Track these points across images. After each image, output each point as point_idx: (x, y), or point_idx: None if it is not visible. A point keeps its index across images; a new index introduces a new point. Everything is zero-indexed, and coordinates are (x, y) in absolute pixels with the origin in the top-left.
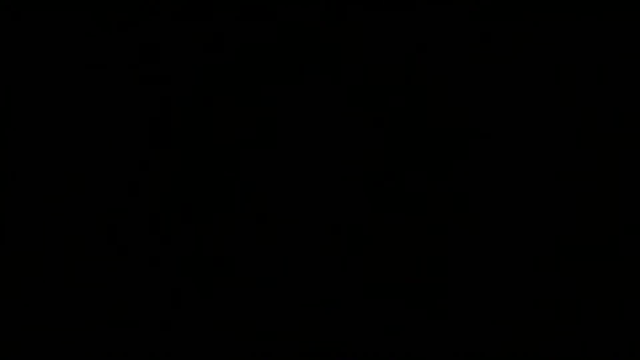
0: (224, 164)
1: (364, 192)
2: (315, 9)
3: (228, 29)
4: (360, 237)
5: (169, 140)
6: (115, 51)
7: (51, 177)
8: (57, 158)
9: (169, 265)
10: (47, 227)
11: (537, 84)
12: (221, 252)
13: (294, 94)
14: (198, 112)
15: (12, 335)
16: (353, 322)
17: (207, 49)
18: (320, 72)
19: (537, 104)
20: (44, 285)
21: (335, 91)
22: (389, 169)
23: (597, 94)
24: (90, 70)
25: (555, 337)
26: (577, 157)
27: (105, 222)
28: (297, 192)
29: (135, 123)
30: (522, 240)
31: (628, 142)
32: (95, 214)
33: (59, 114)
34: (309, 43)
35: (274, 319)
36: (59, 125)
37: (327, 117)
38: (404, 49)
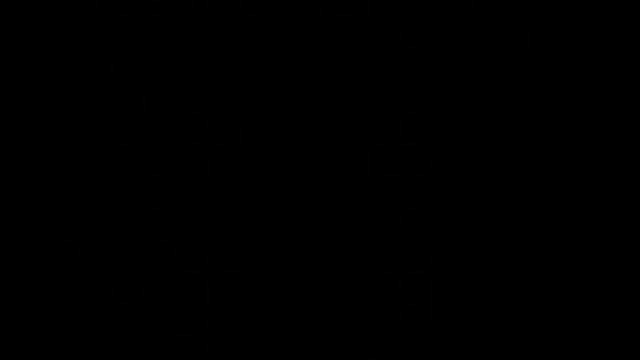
0: (221, 164)
1: (362, 191)
2: (315, 9)
3: (227, 28)
4: (359, 238)
5: (169, 139)
6: (111, 51)
7: (46, 176)
8: (51, 156)
9: (167, 265)
10: (43, 225)
11: (537, 84)
12: (218, 252)
13: (292, 93)
14: (196, 112)
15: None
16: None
17: (207, 49)
18: (319, 71)
19: (537, 104)
20: (40, 283)
21: (334, 91)
22: (388, 168)
23: (597, 94)
24: (90, 69)
25: (555, 336)
26: (577, 157)
27: (102, 221)
28: (295, 190)
29: (131, 124)
30: (521, 240)
31: (628, 142)
32: (92, 213)
33: (51, 112)
34: (308, 42)
35: (273, 318)
36: (51, 124)
37: (326, 116)
38: (404, 49)
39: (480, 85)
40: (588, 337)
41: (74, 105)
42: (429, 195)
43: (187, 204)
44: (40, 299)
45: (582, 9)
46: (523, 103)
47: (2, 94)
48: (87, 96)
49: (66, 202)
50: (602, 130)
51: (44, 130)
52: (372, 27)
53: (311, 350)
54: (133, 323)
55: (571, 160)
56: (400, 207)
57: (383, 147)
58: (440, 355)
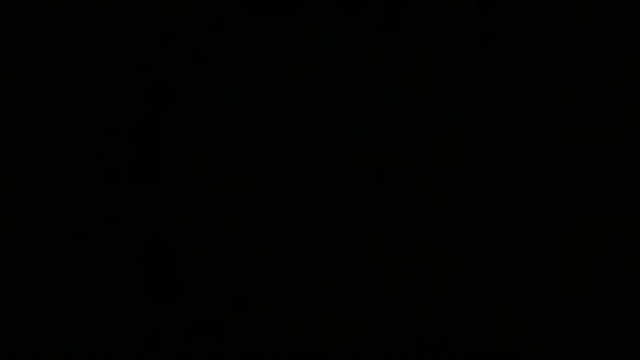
0: (218, 165)
1: (359, 193)
2: (314, 9)
3: (225, 28)
4: (357, 239)
5: (164, 143)
6: (108, 52)
7: (47, 174)
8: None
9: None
10: (42, 224)
11: (537, 84)
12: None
13: (291, 93)
14: (195, 114)
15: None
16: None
17: (205, 49)
18: (317, 72)
19: (537, 104)
20: (40, 283)
21: (332, 91)
22: (385, 168)
23: (597, 93)
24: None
25: (555, 337)
26: (577, 157)
27: (103, 221)
28: (291, 188)
29: (128, 124)
30: (521, 241)
31: (628, 141)
32: (92, 213)
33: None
34: (308, 42)
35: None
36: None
37: (324, 117)
38: (403, 49)
39: (479, 84)
40: (584, 334)
41: (73, 105)
42: (425, 195)
43: (186, 203)
44: (40, 298)
45: (582, 9)
46: (523, 103)
47: (2, 94)
48: (87, 95)
49: (66, 201)
50: (602, 130)
51: (43, 129)
52: (368, 26)
53: (311, 350)
54: (133, 323)
55: (571, 160)
56: (398, 207)
57: (379, 146)
58: (435, 355)
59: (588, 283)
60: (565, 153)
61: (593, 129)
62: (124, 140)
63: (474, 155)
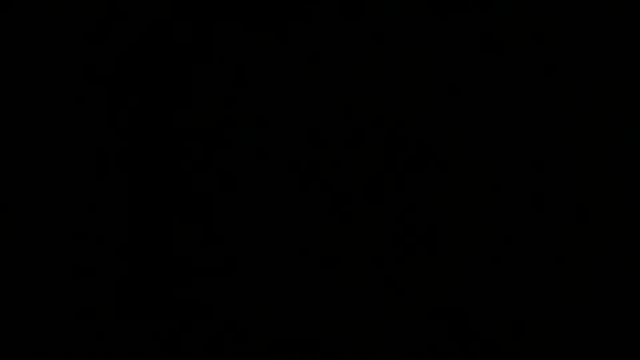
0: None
1: (360, 193)
2: (314, 10)
3: (225, 27)
4: (357, 240)
5: (164, 144)
6: (103, 52)
7: (47, 177)
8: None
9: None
10: (41, 224)
11: (536, 85)
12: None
13: (289, 94)
14: (195, 114)
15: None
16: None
17: (204, 52)
18: (317, 71)
19: (536, 103)
20: (37, 283)
21: (332, 91)
22: (384, 170)
23: (597, 93)
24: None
25: (555, 337)
26: (577, 157)
27: (102, 223)
28: (290, 193)
29: (128, 124)
30: (521, 242)
31: (628, 140)
32: (91, 215)
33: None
34: (308, 42)
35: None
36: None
37: (324, 117)
38: (401, 50)
39: (479, 84)
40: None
41: (74, 107)
42: (426, 196)
43: (186, 204)
44: (38, 298)
45: (584, 9)
46: (523, 103)
47: (2, 95)
48: (87, 98)
49: (64, 202)
50: (602, 130)
51: (44, 131)
52: (370, 28)
53: (311, 350)
54: (133, 323)
55: (571, 161)
56: (397, 210)
57: (380, 147)
58: (435, 355)
59: (588, 283)
60: (565, 153)
61: (593, 129)
62: (124, 141)
63: (474, 155)
